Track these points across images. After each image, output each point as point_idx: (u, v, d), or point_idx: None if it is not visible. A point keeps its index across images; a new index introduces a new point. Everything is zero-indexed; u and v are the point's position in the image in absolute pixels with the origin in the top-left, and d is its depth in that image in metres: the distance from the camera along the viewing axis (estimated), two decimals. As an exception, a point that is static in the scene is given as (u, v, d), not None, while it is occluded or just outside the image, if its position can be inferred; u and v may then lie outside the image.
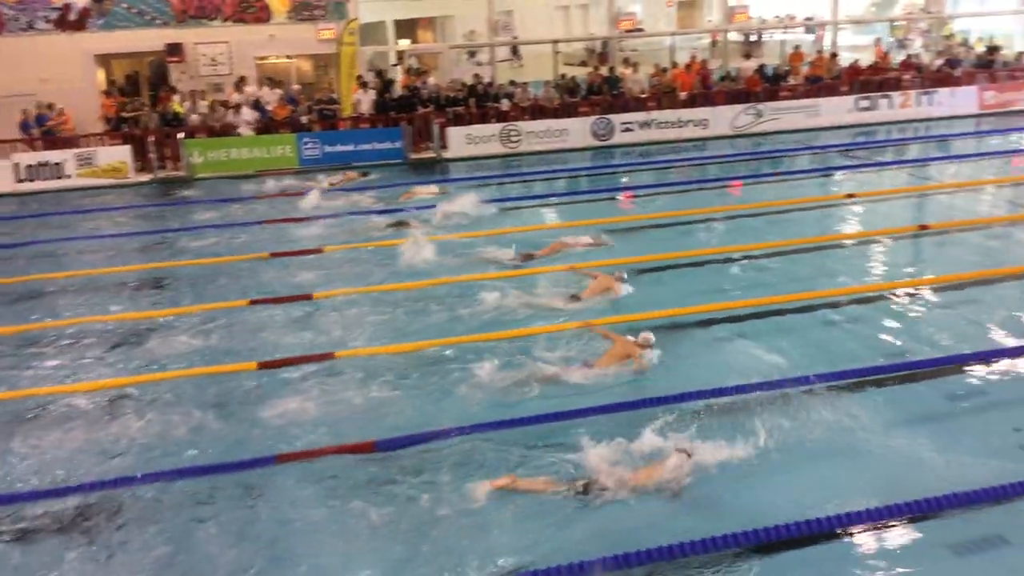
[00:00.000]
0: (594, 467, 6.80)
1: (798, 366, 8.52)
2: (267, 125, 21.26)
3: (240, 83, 22.28)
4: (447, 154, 21.11)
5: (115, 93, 22.44)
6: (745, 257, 12.21)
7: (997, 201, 15.43)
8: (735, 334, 9.59)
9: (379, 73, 24.68)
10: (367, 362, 9.29)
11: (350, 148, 20.82)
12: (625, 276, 10.97)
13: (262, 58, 24.09)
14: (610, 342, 8.96)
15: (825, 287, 10.91)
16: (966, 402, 7.93)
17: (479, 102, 22.32)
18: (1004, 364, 8.60)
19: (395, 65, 26.75)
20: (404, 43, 34.32)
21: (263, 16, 23.29)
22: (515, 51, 36.47)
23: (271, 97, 21.99)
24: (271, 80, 23.11)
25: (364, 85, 22.07)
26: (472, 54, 32.34)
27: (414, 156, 21.07)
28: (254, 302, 11.26)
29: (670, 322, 9.87)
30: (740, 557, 5.91)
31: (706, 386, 8.08)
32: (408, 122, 21.43)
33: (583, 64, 33.31)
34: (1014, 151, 19.60)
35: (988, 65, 24.96)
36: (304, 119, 21.68)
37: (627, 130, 22.00)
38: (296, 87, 23.40)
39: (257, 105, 21.45)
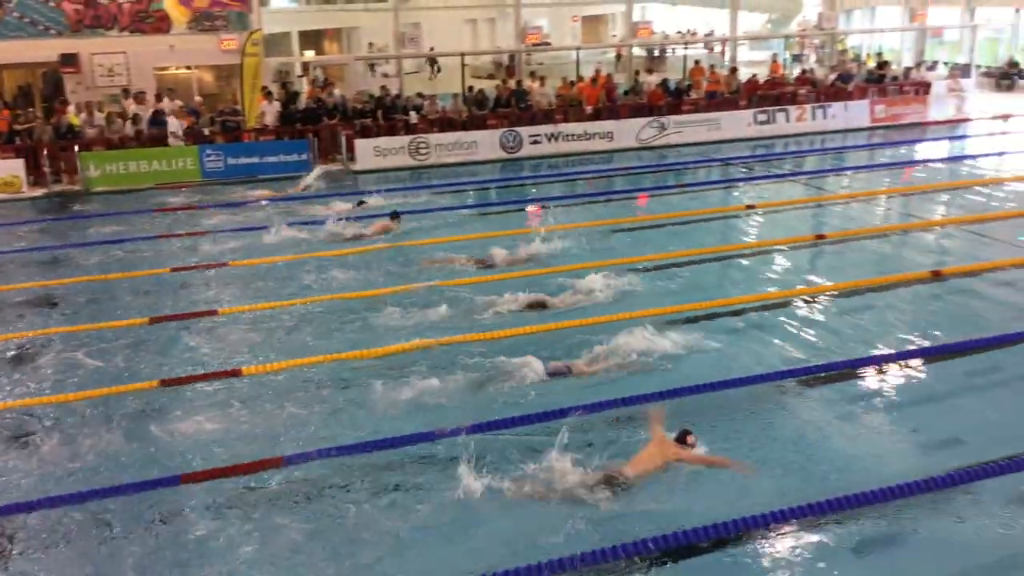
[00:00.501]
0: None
1: (698, 374, 8.70)
2: (167, 137, 20.67)
3: (140, 95, 21.63)
4: (354, 166, 20.90)
5: (6, 105, 21.49)
6: (654, 267, 12.42)
7: (890, 210, 16.09)
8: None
9: (284, 84, 24.33)
10: (274, 378, 9.12)
11: (255, 160, 20.41)
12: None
13: (162, 69, 23.44)
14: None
15: (728, 295, 11.17)
16: (866, 404, 8.22)
17: (387, 114, 22.19)
18: (900, 367, 8.96)
19: (301, 76, 26.39)
20: (309, 54, 33.95)
21: (162, 26, 22.67)
22: (433, 63, 36.47)
23: (171, 109, 21.41)
24: (171, 91, 22.51)
25: (269, 96, 21.71)
26: (372, 67, 32.14)
27: (320, 168, 20.77)
28: (155, 319, 10.93)
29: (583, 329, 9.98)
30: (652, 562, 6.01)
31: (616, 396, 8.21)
32: (314, 134, 21.15)
33: (491, 77, 33.53)
34: (904, 162, 20.53)
35: (878, 80, 26.07)
36: (206, 131, 21.17)
37: (535, 142, 22.19)
38: (198, 99, 22.86)
39: (157, 117, 20.86)
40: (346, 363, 9.39)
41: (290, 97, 22.59)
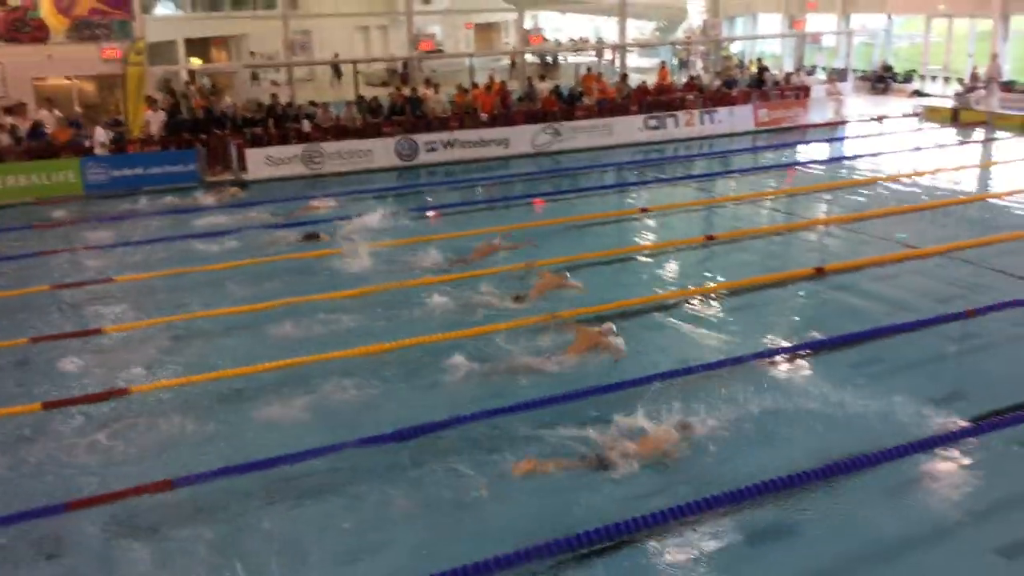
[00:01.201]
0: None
1: (594, 376, 8.85)
2: (46, 149, 19.81)
3: (20, 106, 20.65)
4: (246, 176, 20.44)
5: None
6: (552, 271, 12.52)
7: (775, 211, 16.64)
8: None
9: (170, 93, 23.62)
10: (164, 396, 8.84)
11: (139, 172, 19.72)
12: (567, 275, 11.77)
13: (40, 79, 22.45)
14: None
15: (622, 297, 11.36)
16: (753, 402, 8.43)
17: (279, 123, 21.80)
18: (785, 363, 9.28)
19: (188, 84, 25.68)
20: (196, 62, 33.07)
21: (40, 35, 21.70)
22: (336, 70, 36.05)
23: (50, 120, 20.52)
24: (49, 101, 21.57)
25: (153, 105, 21.04)
26: (255, 76, 31.55)
27: (210, 179, 20.26)
28: (36, 339, 10.44)
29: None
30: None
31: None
32: (202, 144, 20.60)
33: (385, 84, 33.32)
34: (788, 164, 21.31)
35: (760, 85, 26.99)
36: (88, 143, 20.36)
37: (431, 150, 22.14)
38: (79, 109, 21.98)
39: (36, 129, 19.96)
40: (238, 379, 9.17)
41: (176, 106, 21.95)
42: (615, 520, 6.34)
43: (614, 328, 9.70)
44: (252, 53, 36.81)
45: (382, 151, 21.75)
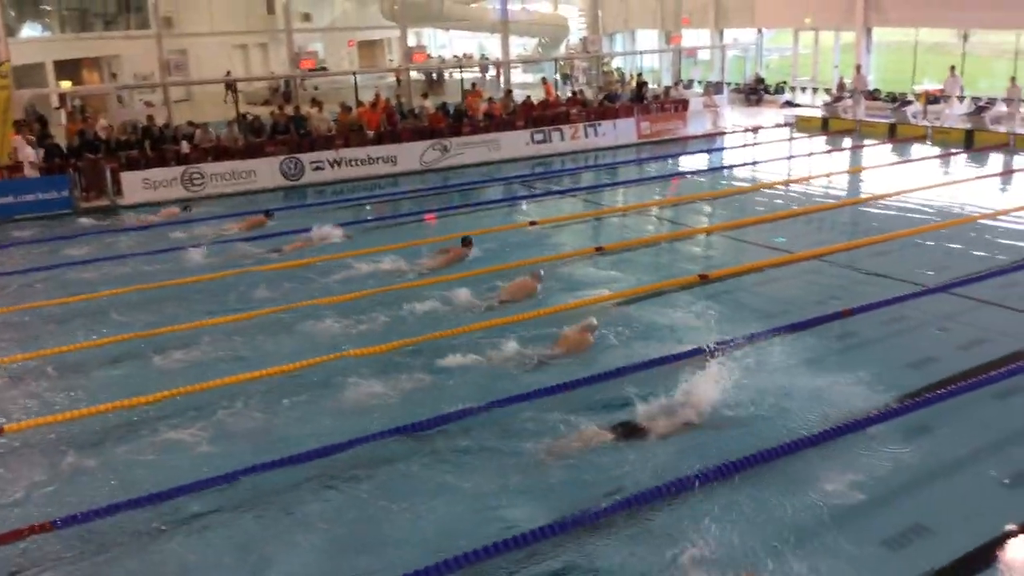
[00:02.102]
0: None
1: (499, 389, 8.87)
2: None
3: None
4: (123, 201, 19.70)
5: None
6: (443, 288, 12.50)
7: (661, 220, 17.07)
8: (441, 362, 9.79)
9: (39, 118, 22.59)
10: (42, 434, 8.39)
11: (9, 200, 18.73)
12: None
13: None
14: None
15: (515, 312, 11.39)
16: (645, 406, 8.58)
17: (155, 145, 21.10)
18: (671, 369, 9.47)
19: (58, 108, 24.61)
20: (66, 85, 31.75)
21: None
22: (231, 87, 35.11)
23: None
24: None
25: (22, 130, 20.05)
26: (119, 99, 30.52)
27: (84, 205, 19.43)
28: None
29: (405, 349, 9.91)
30: None
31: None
32: (75, 169, 19.76)
33: (267, 103, 32.72)
34: (670, 175, 21.90)
35: (641, 98, 27.69)
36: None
37: (317, 169, 21.83)
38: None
39: None
40: (125, 411, 8.79)
41: (46, 130, 21.00)
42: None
43: (596, 323, 10.14)
44: (114, 75, 35.63)
45: (266, 171, 21.32)
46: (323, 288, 12.69)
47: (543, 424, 8.08)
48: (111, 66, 37.66)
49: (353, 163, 22.28)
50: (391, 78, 38.46)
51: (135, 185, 19.97)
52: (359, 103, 24.66)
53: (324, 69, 39.48)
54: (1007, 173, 20.59)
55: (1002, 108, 24.47)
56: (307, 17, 44.67)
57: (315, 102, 24.18)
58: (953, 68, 26.36)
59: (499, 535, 6.38)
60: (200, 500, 7.14)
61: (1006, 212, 16.12)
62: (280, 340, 10.71)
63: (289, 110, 23.66)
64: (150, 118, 22.24)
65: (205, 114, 26.71)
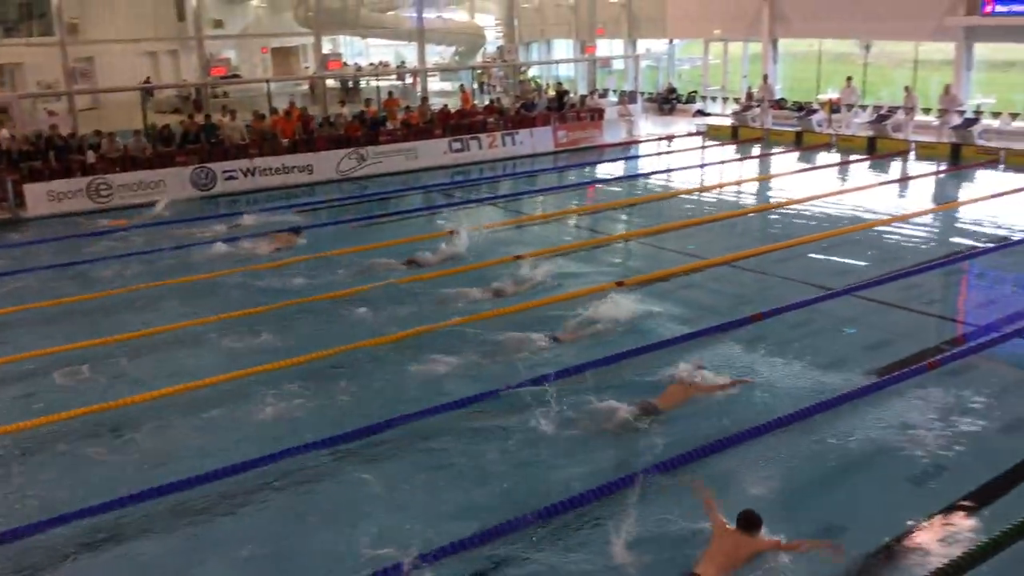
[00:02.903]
0: None
1: (427, 396, 8.93)
2: None
3: None
4: (26, 214, 18.99)
5: None
6: (362, 298, 12.40)
7: (579, 227, 17.20)
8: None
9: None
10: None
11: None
12: None
13: None
14: None
15: (440, 319, 11.38)
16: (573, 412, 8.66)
17: (59, 155, 20.40)
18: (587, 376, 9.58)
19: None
20: (-38, 92, 30.46)
21: None
22: (150, 95, 34.07)
23: None
24: None
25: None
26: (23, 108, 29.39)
27: (-16, 217, 18.70)
28: None
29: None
30: None
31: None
32: (-27, 180, 18.99)
33: (177, 112, 31.92)
34: (587, 183, 22.18)
35: (558, 107, 27.94)
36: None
37: (230, 178, 21.42)
38: None
39: None
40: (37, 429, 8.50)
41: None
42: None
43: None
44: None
45: (176, 181, 20.82)
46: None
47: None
48: (13, 75, 36.24)
49: (267, 172, 21.93)
50: (306, 85, 37.94)
51: (39, 197, 19.28)
52: (273, 111, 24.26)
53: (237, 76, 38.71)
54: (907, 179, 21.47)
55: (901, 116, 25.47)
56: (219, 23, 43.75)
57: (227, 110, 23.70)
58: (850, 79, 27.28)
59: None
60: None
61: (906, 217, 16.80)
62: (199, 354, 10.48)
63: (200, 118, 23.14)
64: (54, 127, 21.49)
65: (113, 123, 25.92)
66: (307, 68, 45.54)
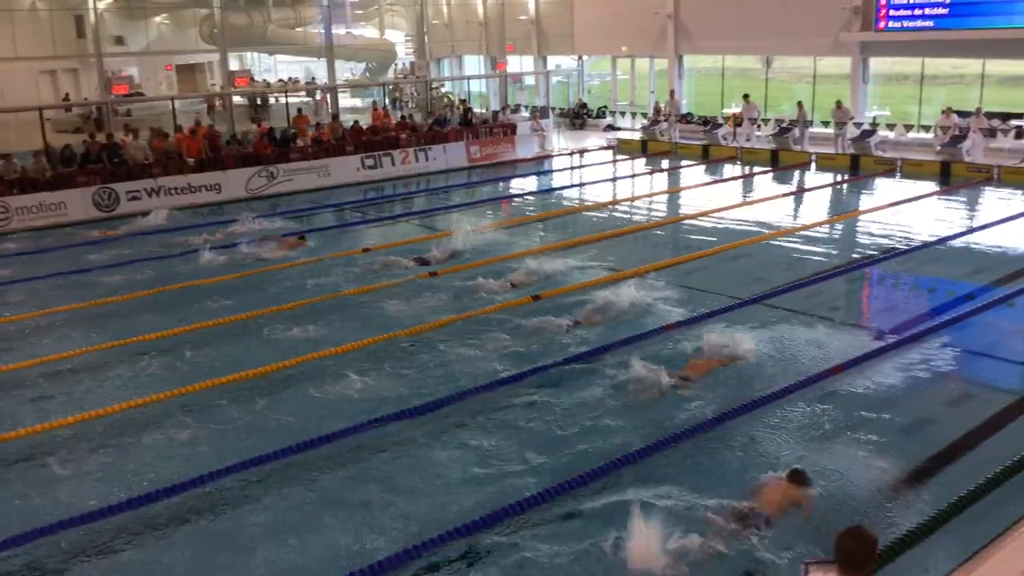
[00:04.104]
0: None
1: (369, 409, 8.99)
2: None
3: None
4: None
5: None
6: (269, 320, 12.19)
7: (495, 242, 17.09)
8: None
9: None
10: None
11: None
12: None
13: None
14: None
15: (358, 338, 11.27)
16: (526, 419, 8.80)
17: (-49, 177, 19.54)
18: (512, 389, 9.63)
19: None
20: None
21: None
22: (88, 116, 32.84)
23: None
24: None
25: None
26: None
27: None
28: None
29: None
30: None
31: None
32: None
33: (79, 131, 30.92)
34: (501, 197, 22.27)
35: (468, 123, 28.03)
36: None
37: (134, 198, 20.84)
38: None
39: None
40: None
41: None
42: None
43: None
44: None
45: (78, 203, 20.15)
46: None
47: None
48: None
49: (173, 192, 21.40)
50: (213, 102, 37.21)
51: (-71, 220, 18.45)
52: (178, 129, 23.70)
53: (140, 94, 37.75)
54: (810, 190, 22.20)
55: (797, 130, 26.33)
56: (120, 40, 42.61)
57: (129, 129, 23.03)
58: (747, 96, 28.09)
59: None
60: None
61: (807, 227, 17.37)
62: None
63: (102, 138, 22.44)
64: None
65: (11, 143, 24.92)
66: (214, 85, 44.69)
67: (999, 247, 15.65)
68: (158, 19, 45.06)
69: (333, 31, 35.35)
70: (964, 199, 20.28)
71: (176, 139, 22.87)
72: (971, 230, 16.79)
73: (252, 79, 45.71)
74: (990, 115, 24.03)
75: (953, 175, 22.00)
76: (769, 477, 7.33)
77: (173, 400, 9.49)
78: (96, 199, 20.37)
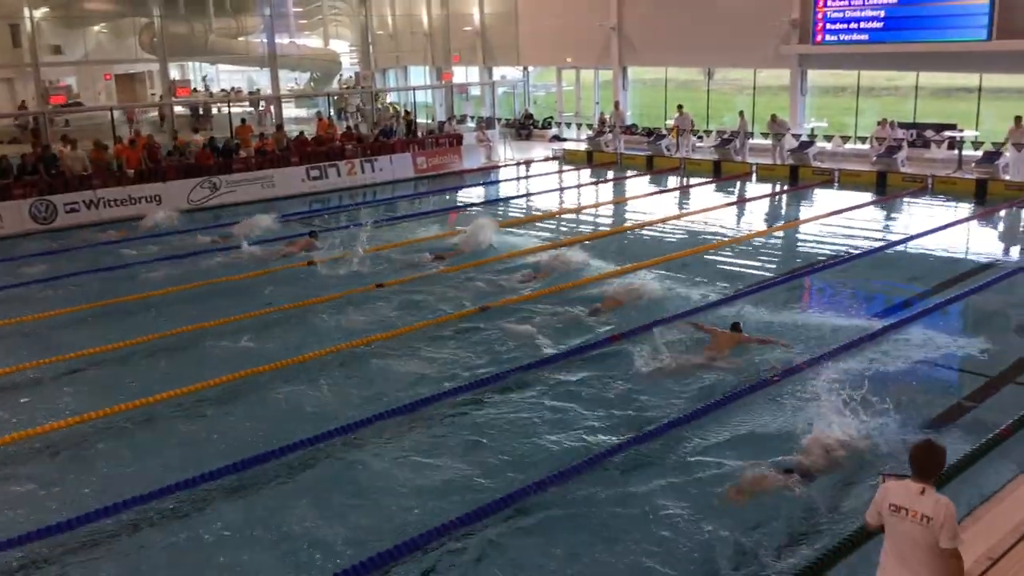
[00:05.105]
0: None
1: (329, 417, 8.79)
2: None
3: None
4: None
5: None
6: (215, 333, 12.04)
7: (442, 253, 17.03)
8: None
9: None
10: None
11: None
12: None
13: None
14: None
15: (308, 349, 11.19)
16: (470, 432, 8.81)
17: None
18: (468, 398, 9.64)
19: None
20: None
21: None
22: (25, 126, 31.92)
23: None
24: None
25: None
26: None
27: None
28: None
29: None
30: None
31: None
32: None
33: (15, 142, 30.22)
34: (449, 208, 22.27)
35: (411, 134, 27.97)
36: None
37: (72, 211, 20.41)
38: None
39: None
40: None
41: None
42: None
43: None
44: None
45: (13, 215, 19.69)
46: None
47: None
48: None
49: (112, 204, 21.00)
50: (153, 113, 36.63)
51: None
52: (117, 139, 23.27)
53: (78, 104, 36.99)
54: (751, 200, 22.61)
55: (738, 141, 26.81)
56: (57, 49, 41.70)
57: (67, 140, 22.55)
58: (680, 107, 28.45)
59: None
60: None
61: (745, 238, 17.68)
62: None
63: (39, 148, 21.92)
64: None
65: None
66: (154, 95, 43.99)
67: (933, 255, 16.13)
68: (97, 28, 44.18)
69: (277, 40, 35.08)
70: (900, 208, 20.84)
71: (116, 150, 22.45)
72: (907, 239, 17.23)
73: (194, 89, 45.19)
74: (924, 126, 24.78)
75: (889, 185, 22.59)
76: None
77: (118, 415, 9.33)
78: (33, 211, 19.91)
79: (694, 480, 7.79)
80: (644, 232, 18.40)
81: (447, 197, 24.01)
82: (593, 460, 8.09)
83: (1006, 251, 17.61)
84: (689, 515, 7.18)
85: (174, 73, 42.49)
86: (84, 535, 7.14)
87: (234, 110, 32.56)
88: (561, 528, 7.10)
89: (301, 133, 26.34)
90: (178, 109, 33.46)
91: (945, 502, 4.74)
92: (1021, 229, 19.38)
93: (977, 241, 18.04)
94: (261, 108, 38.85)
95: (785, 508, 7.28)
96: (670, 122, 29.94)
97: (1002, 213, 19.80)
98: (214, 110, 38.07)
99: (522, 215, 20.73)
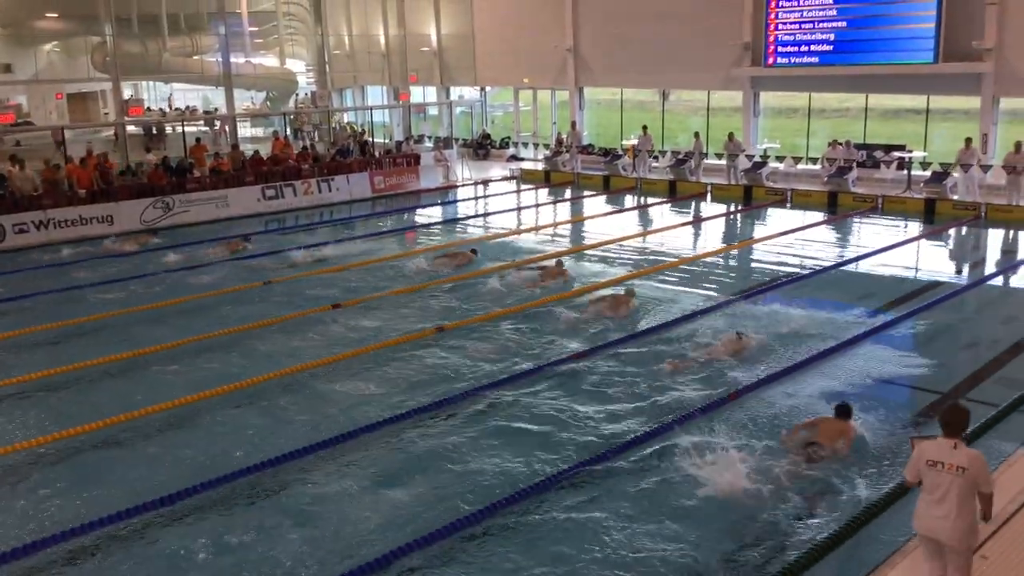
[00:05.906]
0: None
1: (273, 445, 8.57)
2: None
3: None
4: None
5: None
6: (168, 356, 11.86)
7: (399, 274, 16.97)
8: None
9: None
10: None
11: None
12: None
13: None
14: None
15: (262, 371, 11.07)
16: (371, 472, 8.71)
17: None
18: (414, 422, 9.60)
19: None
20: None
21: None
22: None
23: None
24: None
25: None
26: None
27: None
28: None
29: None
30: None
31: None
32: None
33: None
34: (405, 228, 22.22)
35: (365, 154, 27.90)
36: None
37: (21, 231, 20.03)
38: None
39: None
40: None
41: None
42: None
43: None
44: None
45: (-40, 236, 19.25)
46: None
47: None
48: None
49: (63, 224, 20.64)
50: (107, 132, 36.11)
51: None
52: (68, 159, 22.89)
53: (29, 123, 36.40)
54: (706, 219, 22.90)
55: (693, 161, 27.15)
56: (8, 68, 41.05)
57: (15, 159, 22.13)
58: (645, 127, 28.75)
59: None
60: None
61: (705, 255, 17.88)
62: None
63: (-14, 168, 21.52)
64: None
65: None
66: (107, 114, 43.42)
67: (884, 273, 16.44)
68: (48, 47, 43.61)
69: (232, 59, 34.77)
70: (851, 227, 21.24)
71: (67, 169, 22.08)
72: (858, 257, 17.56)
73: (147, 108, 44.70)
74: (874, 147, 25.32)
75: (840, 204, 23.01)
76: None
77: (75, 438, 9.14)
78: (-20, 232, 19.52)
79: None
80: (597, 252, 18.50)
81: (404, 217, 23.96)
82: (547, 482, 8.11)
83: (956, 270, 18.02)
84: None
85: (127, 92, 42.03)
86: (16, 571, 6.94)
87: (189, 129, 32.26)
88: (517, 549, 7.08)
89: (256, 152, 26.12)
90: (131, 128, 33.01)
91: (976, 454, 5.56)
92: (969, 247, 19.84)
93: (927, 259, 18.43)
94: (216, 127, 38.49)
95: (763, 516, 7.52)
96: (627, 142, 30.24)
97: (951, 232, 20.27)
98: (168, 129, 37.68)
99: (478, 235, 20.74)
